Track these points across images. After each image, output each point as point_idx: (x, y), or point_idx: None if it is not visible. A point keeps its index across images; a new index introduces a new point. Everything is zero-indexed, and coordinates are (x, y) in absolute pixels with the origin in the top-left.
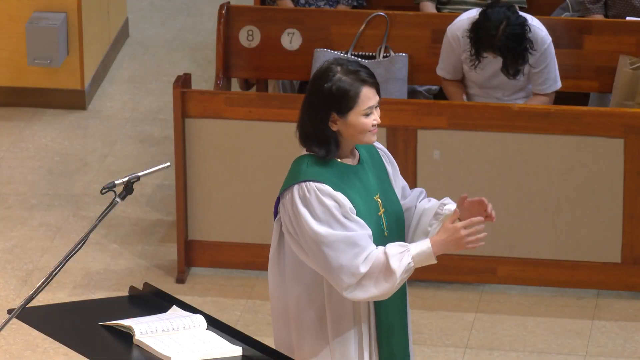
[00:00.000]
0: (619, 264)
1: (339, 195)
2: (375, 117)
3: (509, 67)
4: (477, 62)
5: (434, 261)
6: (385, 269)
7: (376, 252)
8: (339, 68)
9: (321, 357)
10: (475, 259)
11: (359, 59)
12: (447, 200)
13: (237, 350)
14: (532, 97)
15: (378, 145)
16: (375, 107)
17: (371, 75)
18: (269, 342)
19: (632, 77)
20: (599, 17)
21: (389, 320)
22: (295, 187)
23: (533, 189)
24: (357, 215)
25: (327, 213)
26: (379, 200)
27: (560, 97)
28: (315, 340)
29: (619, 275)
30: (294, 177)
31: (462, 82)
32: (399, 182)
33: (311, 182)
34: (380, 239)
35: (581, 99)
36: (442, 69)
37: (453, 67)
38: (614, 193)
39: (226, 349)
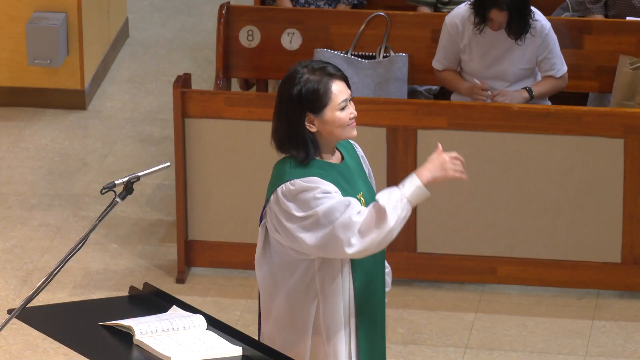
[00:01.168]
0: (619, 264)
1: (326, 182)
2: (351, 110)
3: (513, 24)
4: (482, 27)
5: (425, 191)
6: (377, 210)
7: (368, 207)
8: (304, 69)
9: (314, 355)
10: (475, 259)
11: (360, 59)
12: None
13: (237, 350)
14: (543, 79)
15: (355, 143)
16: (349, 100)
17: (337, 69)
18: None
19: (632, 77)
20: (599, 17)
21: (371, 317)
22: (280, 187)
23: (533, 189)
24: None
25: (313, 196)
26: (362, 198)
27: (560, 97)
28: (305, 339)
29: (619, 275)
30: (278, 179)
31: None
32: (373, 181)
33: (295, 180)
34: None
35: (581, 99)
36: (438, 61)
37: (450, 57)
38: (614, 193)
39: (226, 349)
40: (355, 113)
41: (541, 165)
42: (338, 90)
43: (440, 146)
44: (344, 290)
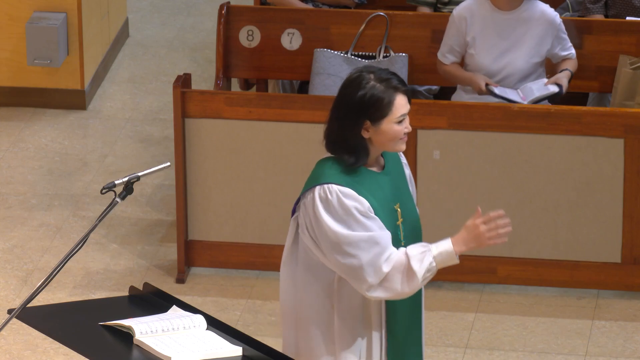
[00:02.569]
0: (619, 264)
1: (360, 198)
2: (406, 125)
3: None
4: None
5: (456, 261)
6: (407, 269)
7: (398, 253)
8: (371, 76)
9: None
10: (475, 259)
11: (360, 59)
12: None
13: (237, 350)
14: (563, 63)
15: (403, 156)
16: (406, 116)
17: (403, 82)
18: (269, 342)
19: (632, 77)
20: (599, 17)
21: (401, 330)
22: (317, 188)
23: (533, 189)
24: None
25: (349, 214)
26: (399, 209)
27: (560, 97)
28: (322, 344)
29: (619, 275)
30: (317, 178)
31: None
32: (414, 190)
33: (333, 185)
34: (398, 248)
35: (581, 99)
36: (444, 54)
37: (456, 51)
38: (614, 193)
39: (226, 349)
40: (410, 128)
41: (541, 165)
42: (400, 104)
43: (479, 210)
44: (370, 302)
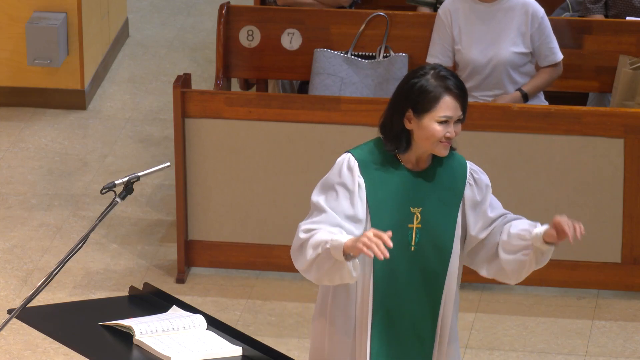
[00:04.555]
0: (619, 264)
1: (356, 176)
2: (450, 130)
3: None
4: None
5: (340, 257)
6: (300, 240)
7: (321, 230)
8: (432, 70)
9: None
10: None
11: (360, 59)
12: (536, 225)
13: (237, 350)
14: (538, 73)
15: (474, 170)
16: (455, 121)
17: (459, 87)
18: (269, 342)
19: (632, 77)
20: (599, 17)
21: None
22: (344, 154)
23: (533, 189)
24: (377, 214)
25: (334, 181)
26: (418, 214)
27: (560, 97)
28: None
29: (619, 275)
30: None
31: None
32: (480, 212)
33: (351, 155)
34: (404, 251)
35: (581, 99)
36: (433, 55)
37: (444, 49)
38: (614, 193)
39: (226, 349)
40: (453, 134)
41: (541, 165)
42: (446, 104)
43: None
44: (360, 283)
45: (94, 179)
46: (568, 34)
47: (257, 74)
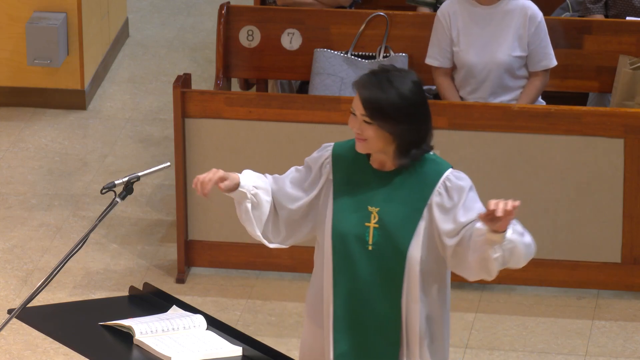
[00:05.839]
0: (619, 264)
1: (326, 155)
2: (354, 124)
3: None
4: None
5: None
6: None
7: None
8: (377, 67)
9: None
10: None
11: (360, 59)
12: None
13: (237, 350)
14: (529, 81)
15: (449, 178)
16: (355, 114)
17: (362, 84)
18: (269, 342)
19: (632, 77)
20: (599, 17)
21: (351, 305)
22: None
23: (533, 189)
24: (339, 208)
25: (308, 160)
26: (375, 213)
27: (560, 97)
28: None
29: (619, 275)
30: None
31: (452, 75)
32: (451, 218)
33: (332, 147)
34: (362, 249)
35: (581, 99)
36: (432, 57)
37: (443, 51)
38: (614, 193)
39: (226, 349)
40: (356, 130)
41: (541, 165)
42: (355, 98)
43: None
44: (325, 278)
45: (94, 179)
46: (568, 34)
47: (257, 74)
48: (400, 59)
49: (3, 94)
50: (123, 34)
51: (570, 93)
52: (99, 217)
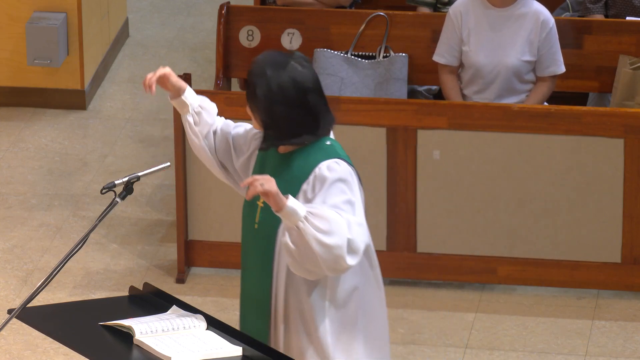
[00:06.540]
0: (619, 264)
1: (257, 135)
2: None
3: None
4: None
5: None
6: None
7: None
8: None
9: None
10: (475, 259)
11: (360, 59)
12: None
13: (237, 350)
14: (536, 86)
15: (322, 168)
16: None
17: (264, 59)
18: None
19: (632, 77)
20: (599, 17)
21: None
22: None
23: (533, 189)
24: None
25: (245, 125)
26: (261, 204)
27: (560, 97)
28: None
29: (619, 275)
30: None
31: (458, 74)
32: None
33: None
34: (251, 227)
35: (581, 99)
36: (440, 54)
37: (452, 49)
38: (614, 193)
39: (226, 349)
40: (251, 118)
41: (541, 165)
42: None
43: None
44: None
45: (94, 179)
46: (568, 34)
47: None
48: (400, 59)
49: (3, 94)
50: (123, 34)
51: (570, 93)
52: (99, 217)
